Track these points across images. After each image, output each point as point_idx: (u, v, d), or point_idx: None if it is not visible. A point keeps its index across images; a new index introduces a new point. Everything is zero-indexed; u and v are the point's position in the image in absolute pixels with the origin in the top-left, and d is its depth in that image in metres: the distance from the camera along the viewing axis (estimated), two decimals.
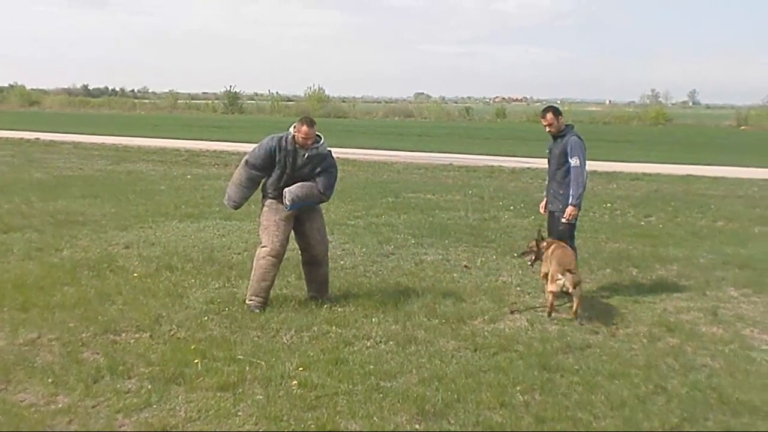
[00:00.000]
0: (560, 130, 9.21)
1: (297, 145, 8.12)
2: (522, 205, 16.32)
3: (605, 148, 35.84)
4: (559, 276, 8.15)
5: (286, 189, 8.10)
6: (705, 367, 6.78)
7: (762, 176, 23.49)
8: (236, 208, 8.62)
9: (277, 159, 8.13)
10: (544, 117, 9.27)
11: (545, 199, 9.58)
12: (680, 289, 9.50)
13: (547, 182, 9.58)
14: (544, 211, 9.64)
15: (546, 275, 8.54)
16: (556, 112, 9.27)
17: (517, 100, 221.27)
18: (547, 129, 9.31)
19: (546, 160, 9.64)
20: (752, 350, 7.30)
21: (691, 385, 6.29)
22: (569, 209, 8.95)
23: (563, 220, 9.03)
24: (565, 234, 9.14)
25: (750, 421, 5.72)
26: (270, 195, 8.29)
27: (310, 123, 8.15)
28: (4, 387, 6.02)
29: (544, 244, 8.96)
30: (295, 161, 8.13)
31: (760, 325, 8.12)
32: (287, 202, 8.09)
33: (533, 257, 9.10)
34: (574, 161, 8.93)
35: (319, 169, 8.24)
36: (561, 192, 9.09)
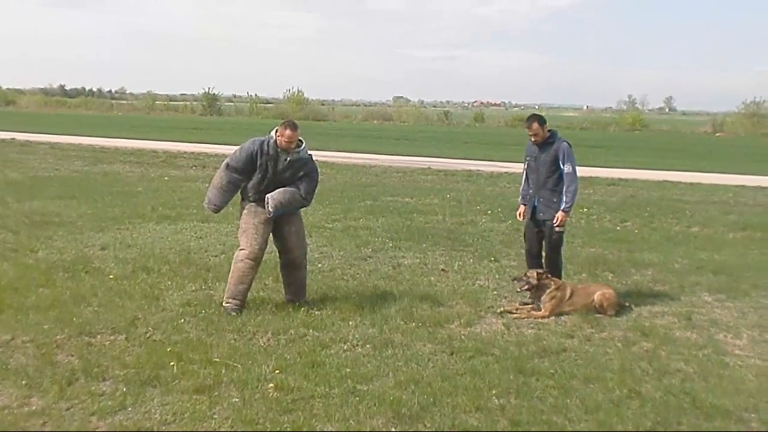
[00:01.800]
0: (546, 138, 9.13)
1: (279, 149, 8.11)
2: (499, 210, 16.36)
3: (582, 154, 35.69)
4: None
5: (268, 195, 8.08)
6: (679, 372, 6.83)
7: (737, 182, 23.68)
8: (216, 211, 8.59)
9: (258, 163, 8.11)
10: (529, 127, 9.15)
11: (523, 207, 9.45)
12: (655, 294, 9.56)
13: (530, 190, 9.37)
14: (522, 218, 9.52)
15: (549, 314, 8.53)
16: (542, 121, 9.17)
17: (495, 104, 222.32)
18: (533, 139, 9.17)
19: (523, 166, 9.51)
20: (726, 355, 7.36)
21: (665, 390, 6.34)
22: (561, 215, 8.92)
23: (556, 228, 9.00)
24: (559, 243, 9.17)
25: (723, 425, 5.76)
26: (250, 198, 8.27)
27: (293, 127, 8.15)
28: None
29: (552, 283, 8.79)
30: (276, 165, 8.12)
31: (733, 330, 8.19)
32: (270, 209, 8.07)
33: (527, 288, 8.83)
34: (567, 168, 8.92)
35: (300, 174, 8.24)
36: (554, 200, 9.01)
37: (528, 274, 8.89)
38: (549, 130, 9.21)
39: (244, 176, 8.22)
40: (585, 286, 9.04)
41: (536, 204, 9.25)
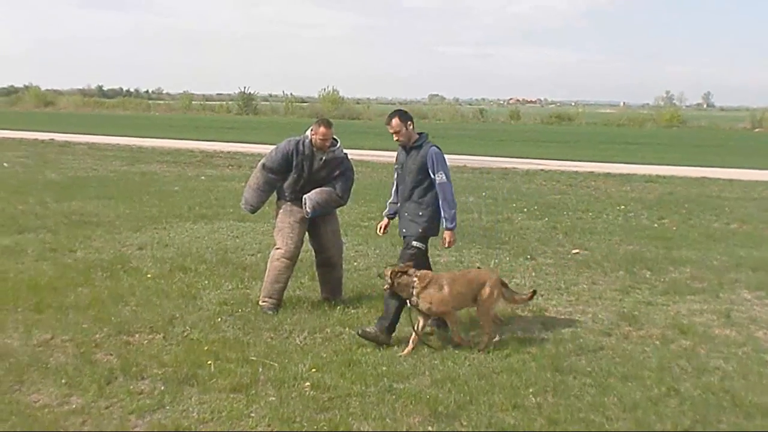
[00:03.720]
0: (412, 140, 7.75)
1: (314, 149, 8.14)
2: (535, 207, 16.29)
3: (619, 150, 35.80)
4: None
5: (305, 196, 8.12)
6: (718, 370, 6.75)
7: None
8: (253, 212, 8.62)
9: (294, 163, 8.15)
10: (389, 123, 7.71)
11: (386, 220, 8.22)
12: (693, 291, 9.45)
13: (397, 203, 8.04)
14: (382, 232, 8.34)
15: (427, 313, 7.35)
16: (404, 117, 7.73)
17: (531, 101, 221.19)
18: (395, 138, 7.76)
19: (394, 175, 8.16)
20: (765, 353, 7.26)
21: (704, 388, 6.27)
22: (448, 234, 7.72)
23: (413, 243, 7.68)
24: (410, 260, 7.53)
25: (763, 423, 5.69)
26: (286, 197, 8.31)
27: (327, 124, 8.19)
28: (18, 388, 6.05)
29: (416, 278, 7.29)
30: (312, 164, 8.15)
31: None
32: (308, 210, 8.11)
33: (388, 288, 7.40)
34: (440, 177, 7.57)
35: (336, 173, 8.27)
36: (420, 214, 7.65)
37: (384, 271, 7.53)
38: (419, 133, 7.81)
39: (280, 176, 8.25)
40: (464, 273, 8.00)
41: (400, 218, 7.94)
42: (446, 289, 7.22)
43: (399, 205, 7.96)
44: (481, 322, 7.38)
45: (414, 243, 7.65)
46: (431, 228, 7.74)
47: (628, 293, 9.29)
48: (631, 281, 9.87)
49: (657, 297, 9.12)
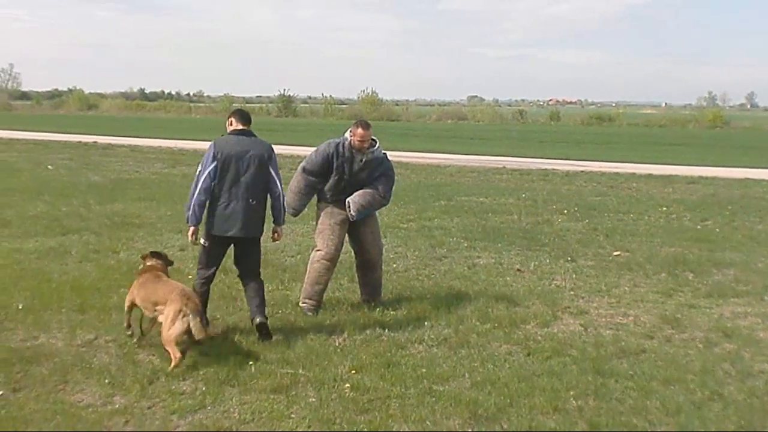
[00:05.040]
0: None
1: (354, 150, 8.15)
2: (576, 209, 16.19)
3: (661, 152, 35.49)
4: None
5: (349, 199, 8.14)
6: (763, 374, 6.66)
7: None
8: (296, 215, 8.61)
9: (334, 165, 8.16)
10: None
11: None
12: (737, 293, 9.34)
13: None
14: None
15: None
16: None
17: (571, 102, 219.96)
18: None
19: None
20: None
21: (749, 392, 6.19)
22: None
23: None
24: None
25: None
26: (327, 199, 8.32)
27: (365, 126, 8.20)
28: (63, 387, 6.12)
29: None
30: (352, 166, 8.16)
31: None
32: (353, 213, 8.13)
33: None
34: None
35: (377, 174, 8.28)
36: None
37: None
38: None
39: (321, 178, 8.27)
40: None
41: None
42: None
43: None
44: None
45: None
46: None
47: (670, 296, 9.20)
48: (674, 284, 9.77)
49: (700, 300, 9.02)
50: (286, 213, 8.16)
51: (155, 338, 6.99)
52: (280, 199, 7.60)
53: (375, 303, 8.50)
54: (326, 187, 8.28)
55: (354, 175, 8.18)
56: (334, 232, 8.26)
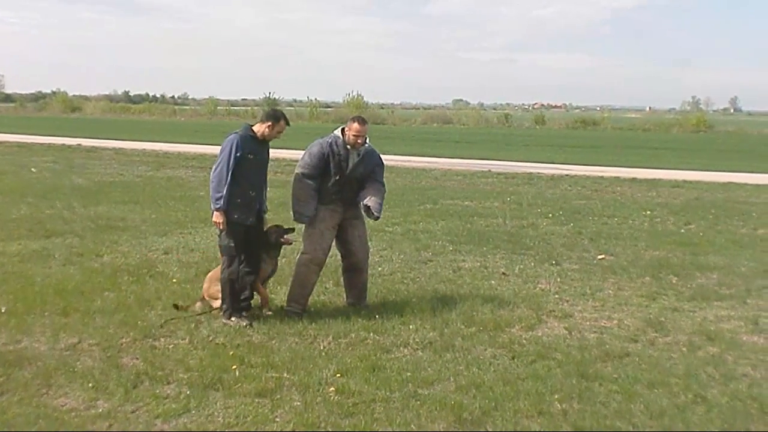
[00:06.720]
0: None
1: (348, 147, 8.14)
2: (561, 212, 16.24)
3: (645, 156, 35.66)
4: None
5: (367, 204, 8.21)
6: (746, 377, 6.69)
7: None
8: (309, 221, 8.36)
9: (332, 165, 8.14)
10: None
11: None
12: (721, 297, 9.37)
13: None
14: None
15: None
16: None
17: (556, 106, 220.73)
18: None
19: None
20: None
21: (732, 395, 6.21)
22: None
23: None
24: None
25: None
26: (323, 201, 8.26)
27: (362, 121, 8.20)
28: (46, 391, 6.09)
29: None
30: (348, 163, 8.16)
31: None
32: (376, 214, 8.25)
33: None
34: None
35: (371, 166, 8.38)
36: None
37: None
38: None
39: (320, 178, 8.20)
40: None
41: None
42: None
43: None
44: None
45: None
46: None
47: (654, 299, 9.23)
48: (658, 287, 9.80)
49: (684, 303, 9.05)
50: (299, 221, 8.34)
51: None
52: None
53: (360, 306, 8.49)
54: (323, 189, 8.23)
55: (352, 171, 8.19)
56: (323, 237, 8.25)
